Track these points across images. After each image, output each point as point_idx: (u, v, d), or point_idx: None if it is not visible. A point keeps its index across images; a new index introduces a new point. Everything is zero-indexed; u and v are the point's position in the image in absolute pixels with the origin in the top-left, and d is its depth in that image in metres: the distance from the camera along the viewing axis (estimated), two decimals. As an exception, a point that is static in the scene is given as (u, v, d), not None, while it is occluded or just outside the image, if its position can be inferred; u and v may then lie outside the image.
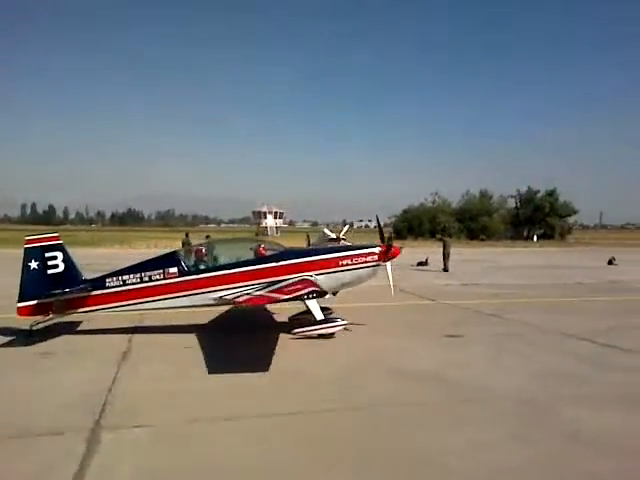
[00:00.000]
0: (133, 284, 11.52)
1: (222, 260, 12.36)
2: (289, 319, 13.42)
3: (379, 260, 12.71)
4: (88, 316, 12.04)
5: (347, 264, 12.46)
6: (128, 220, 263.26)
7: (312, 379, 8.38)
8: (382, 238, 13.69)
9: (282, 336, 11.42)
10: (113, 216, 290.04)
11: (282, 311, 14.20)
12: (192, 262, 12.08)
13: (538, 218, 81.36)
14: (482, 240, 73.54)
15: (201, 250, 12.39)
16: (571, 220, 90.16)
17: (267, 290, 11.19)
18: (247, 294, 11.00)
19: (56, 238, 11.59)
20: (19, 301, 11.03)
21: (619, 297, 18.76)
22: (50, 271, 11.32)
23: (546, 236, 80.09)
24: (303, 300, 11.44)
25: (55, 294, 10.98)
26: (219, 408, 6.98)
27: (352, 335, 11.78)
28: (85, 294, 11.35)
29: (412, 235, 72.45)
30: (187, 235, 29.70)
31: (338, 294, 13.40)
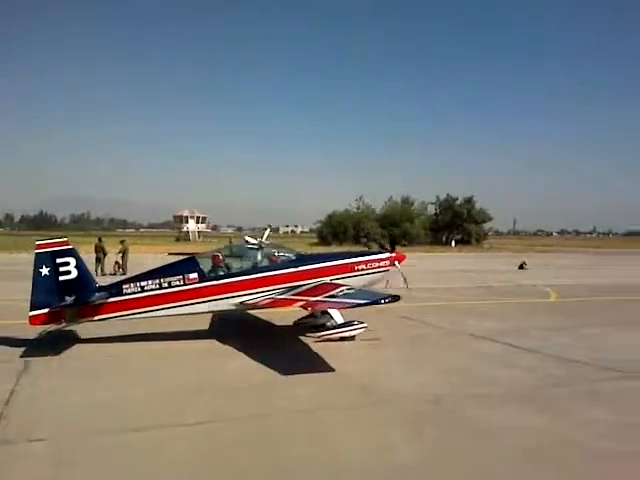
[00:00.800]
0: (152, 290, 11.21)
1: (243, 266, 12.38)
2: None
3: (389, 265, 13.59)
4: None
5: (362, 269, 13.12)
6: (40, 224, 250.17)
7: (213, 389, 8.27)
8: (393, 246, 15.47)
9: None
10: (23, 219, 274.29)
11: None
12: (211, 268, 12.00)
13: (456, 224, 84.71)
14: (403, 245, 75.27)
15: (218, 256, 12.28)
16: (487, 226, 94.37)
17: (290, 294, 11.43)
18: (270, 298, 11.45)
19: (66, 243, 11.05)
20: (31, 310, 10.39)
21: (526, 300, 19.76)
22: (62, 277, 10.73)
23: (463, 241, 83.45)
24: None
25: (71, 304, 10.56)
26: (119, 421, 6.72)
27: (271, 340, 11.74)
28: (101, 301, 10.92)
29: (337, 241, 73.23)
30: (100, 240, 28.76)
31: None
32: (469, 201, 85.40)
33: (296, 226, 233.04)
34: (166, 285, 11.29)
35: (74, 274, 10.85)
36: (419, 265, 40.04)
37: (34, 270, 10.63)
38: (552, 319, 15.35)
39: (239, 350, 10.67)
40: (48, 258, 10.71)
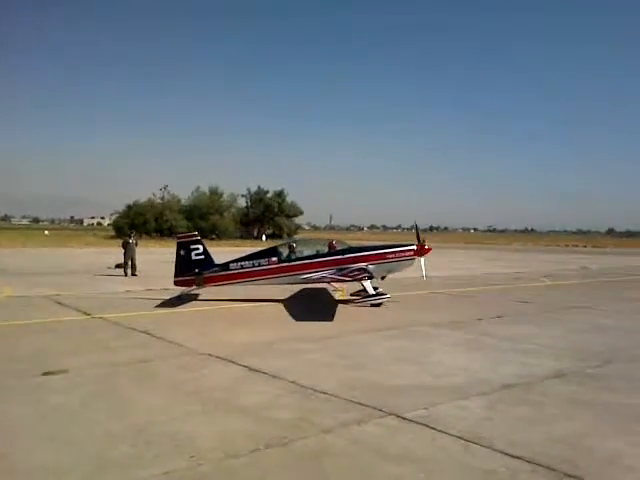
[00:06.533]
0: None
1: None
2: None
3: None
4: None
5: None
6: None
7: None
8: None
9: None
10: None
11: None
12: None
13: (267, 217, 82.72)
14: (212, 239, 71.75)
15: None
16: (302, 221, 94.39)
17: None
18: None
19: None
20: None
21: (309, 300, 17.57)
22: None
23: (275, 236, 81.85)
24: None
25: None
26: None
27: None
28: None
29: (137, 233, 66.34)
30: None
31: None
32: (280, 194, 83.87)
33: (103, 217, 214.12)
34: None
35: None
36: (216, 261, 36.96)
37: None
38: (323, 324, 13.13)
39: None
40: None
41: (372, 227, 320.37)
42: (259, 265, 16.22)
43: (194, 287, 16.36)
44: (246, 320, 13.75)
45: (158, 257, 36.41)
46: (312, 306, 16.21)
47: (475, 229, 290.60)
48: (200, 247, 16.62)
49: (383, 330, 12.40)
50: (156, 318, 13.48)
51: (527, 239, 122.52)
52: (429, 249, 17.31)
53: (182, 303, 15.70)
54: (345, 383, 8.01)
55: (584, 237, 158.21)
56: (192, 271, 16.16)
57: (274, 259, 16.34)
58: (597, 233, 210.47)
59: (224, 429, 6.13)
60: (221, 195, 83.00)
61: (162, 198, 78.96)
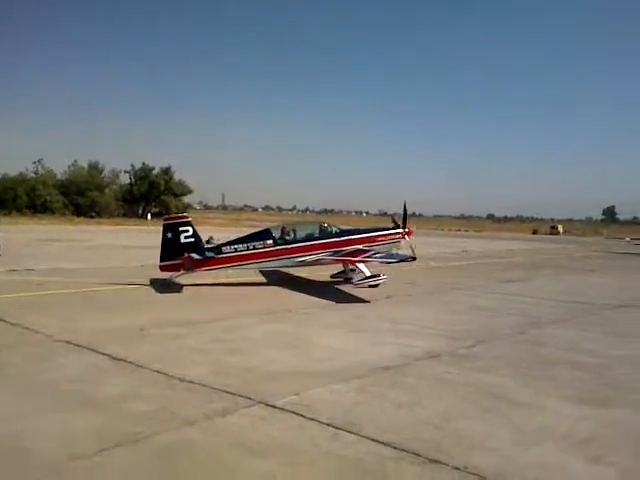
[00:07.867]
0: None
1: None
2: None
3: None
4: None
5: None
6: None
7: None
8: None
9: None
10: None
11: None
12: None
13: (153, 195, 78.79)
14: (91, 217, 67.57)
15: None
16: (193, 200, 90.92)
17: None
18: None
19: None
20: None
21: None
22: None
23: (161, 214, 78.28)
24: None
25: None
26: None
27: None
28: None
29: (5, 209, 60.82)
30: None
31: None
32: (166, 172, 79.98)
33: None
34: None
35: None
36: (95, 240, 34.51)
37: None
38: (203, 307, 12.57)
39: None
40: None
41: (267, 208, 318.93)
42: (254, 248, 15.90)
43: (182, 272, 15.24)
44: (122, 303, 12.78)
45: (29, 235, 33.67)
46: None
47: (367, 213, 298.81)
48: (190, 229, 15.44)
49: (266, 313, 12.05)
50: (16, 302, 12.17)
51: (415, 223, 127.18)
52: (411, 231, 18.78)
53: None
54: (216, 370, 7.56)
55: (467, 222, 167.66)
56: (181, 255, 14.98)
57: (269, 242, 16.12)
58: (478, 218, 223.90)
59: (71, 427, 5.45)
60: (102, 170, 77.84)
61: (36, 172, 72.84)
